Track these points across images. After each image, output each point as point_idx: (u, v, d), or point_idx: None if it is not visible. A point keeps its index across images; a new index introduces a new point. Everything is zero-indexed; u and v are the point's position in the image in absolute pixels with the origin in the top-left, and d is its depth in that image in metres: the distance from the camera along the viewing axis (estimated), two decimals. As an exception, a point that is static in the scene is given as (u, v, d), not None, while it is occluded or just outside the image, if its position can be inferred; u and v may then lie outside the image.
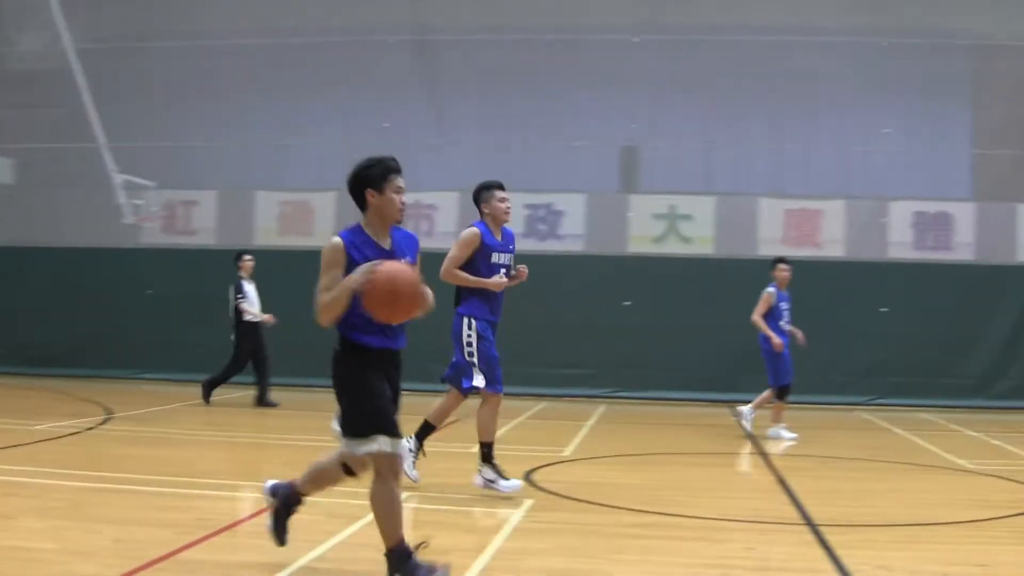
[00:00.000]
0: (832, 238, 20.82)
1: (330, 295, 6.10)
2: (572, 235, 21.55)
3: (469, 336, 9.55)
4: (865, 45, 20.76)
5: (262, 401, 17.31)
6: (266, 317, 17.31)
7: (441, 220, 21.67)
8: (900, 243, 20.88)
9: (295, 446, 13.15)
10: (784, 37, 20.97)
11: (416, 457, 9.83)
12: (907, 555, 7.67)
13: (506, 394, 9.84)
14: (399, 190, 6.34)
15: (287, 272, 17.29)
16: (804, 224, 20.94)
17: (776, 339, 14.54)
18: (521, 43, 21.78)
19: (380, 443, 6.11)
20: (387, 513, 6.16)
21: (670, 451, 13.70)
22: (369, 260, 6.13)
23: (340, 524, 7.88)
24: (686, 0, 21.40)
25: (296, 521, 6.77)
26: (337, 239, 6.24)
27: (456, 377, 9.72)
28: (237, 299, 17.21)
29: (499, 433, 13.98)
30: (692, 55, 21.47)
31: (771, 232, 20.92)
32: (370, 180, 6.32)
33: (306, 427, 15.04)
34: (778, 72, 21.07)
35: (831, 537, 7.97)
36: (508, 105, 22.07)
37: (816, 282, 15.15)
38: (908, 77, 21.32)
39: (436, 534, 6.99)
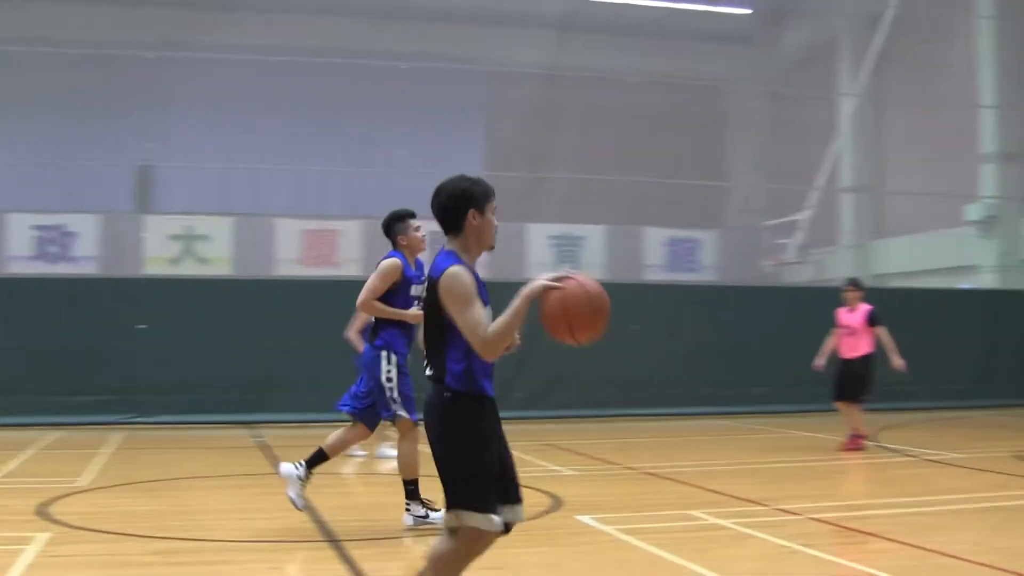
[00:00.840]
0: (351, 257, 21.16)
1: (504, 321, 5.17)
2: (86, 257, 20.80)
3: (389, 371, 9.15)
4: (384, 68, 21.29)
5: None
6: None
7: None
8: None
9: None
10: (305, 58, 21.16)
11: (303, 485, 9.24)
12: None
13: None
14: (494, 212, 5.61)
15: None
16: (322, 244, 21.20)
17: None
18: (47, 59, 20.84)
19: (497, 522, 5.42)
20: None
21: (192, 475, 13.41)
22: (481, 293, 5.36)
23: None
24: (200, 20, 21.17)
25: None
26: (462, 268, 5.33)
27: (366, 412, 9.33)
28: None
29: (10, 467, 13.32)
30: (209, 74, 21.32)
31: (289, 252, 21.05)
32: (475, 199, 5.48)
33: None
34: (298, 92, 21.27)
35: (354, 551, 8.10)
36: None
37: (334, 301, 15.15)
38: (426, 100, 22.09)
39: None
